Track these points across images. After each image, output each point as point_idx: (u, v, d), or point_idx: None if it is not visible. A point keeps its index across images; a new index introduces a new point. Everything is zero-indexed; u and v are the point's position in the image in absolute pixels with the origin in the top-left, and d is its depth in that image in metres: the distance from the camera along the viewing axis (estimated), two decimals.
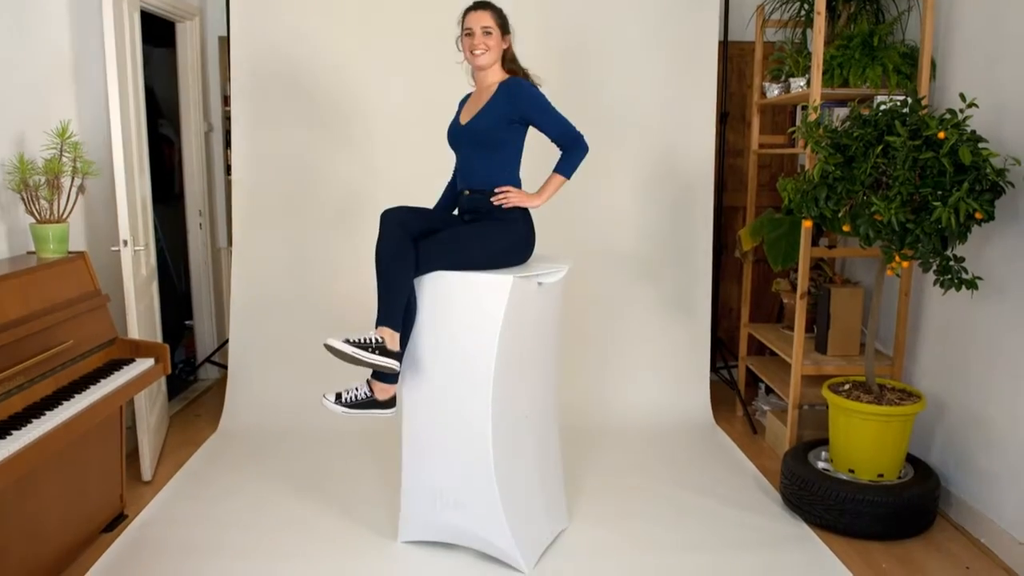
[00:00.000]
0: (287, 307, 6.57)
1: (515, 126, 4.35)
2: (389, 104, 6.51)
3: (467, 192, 4.45)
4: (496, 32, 4.37)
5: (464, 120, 4.47)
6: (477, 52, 4.36)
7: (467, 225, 4.35)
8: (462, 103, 4.67)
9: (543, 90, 4.42)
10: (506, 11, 4.46)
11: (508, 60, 4.50)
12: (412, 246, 4.12)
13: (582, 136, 4.38)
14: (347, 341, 4.03)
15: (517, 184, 4.45)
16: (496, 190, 4.33)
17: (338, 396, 4.20)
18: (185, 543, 4.59)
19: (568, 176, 4.41)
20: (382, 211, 4.23)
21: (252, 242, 6.57)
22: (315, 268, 6.60)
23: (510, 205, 4.32)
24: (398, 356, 4.15)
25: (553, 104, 4.38)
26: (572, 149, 4.37)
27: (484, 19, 4.36)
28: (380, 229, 4.17)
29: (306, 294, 6.58)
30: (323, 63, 6.49)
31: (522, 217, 4.38)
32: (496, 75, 4.45)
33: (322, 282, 6.58)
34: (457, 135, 4.50)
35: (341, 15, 6.44)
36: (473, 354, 4.12)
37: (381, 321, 4.12)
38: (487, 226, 4.30)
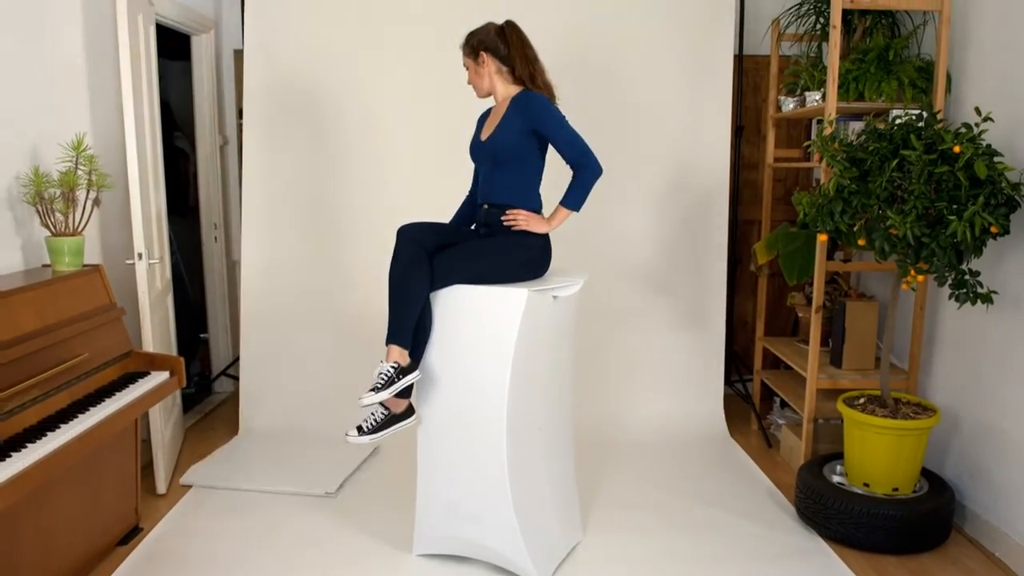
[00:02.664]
0: (299, 320, 6.58)
1: (530, 139, 4.33)
2: (403, 118, 6.52)
3: (486, 206, 4.46)
4: (471, 63, 4.47)
5: (484, 136, 4.48)
6: (473, 88, 4.56)
7: (483, 239, 4.35)
8: (481, 120, 4.68)
9: (559, 103, 4.43)
10: (524, 26, 4.45)
11: (520, 76, 4.45)
12: (427, 261, 4.12)
13: (593, 155, 4.32)
14: (374, 390, 4.04)
15: (536, 202, 4.45)
16: (508, 212, 4.35)
17: (359, 428, 4.19)
18: (200, 556, 4.60)
19: (575, 209, 4.36)
20: (398, 227, 4.24)
21: (263, 254, 6.58)
22: (327, 280, 6.61)
23: (518, 228, 4.32)
24: (413, 367, 4.18)
25: (569, 122, 4.36)
26: (582, 168, 4.31)
27: (463, 59, 4.53)
28: (395, 245, 4.19)
29: (318, 307, 6.60)
30: (337, 76, 6.51)
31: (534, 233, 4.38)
32: (507, 91, 4.47)
33: (334, 294, 6.60)
34: (477, 151, 4.53)
35: (355, 29, 6.47)
36: (488, 367, 4.12)
37: (391, 339, 4.13)
38: (503, 241, 4.30)
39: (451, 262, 4.16)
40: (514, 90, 4.45)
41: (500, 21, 4.48)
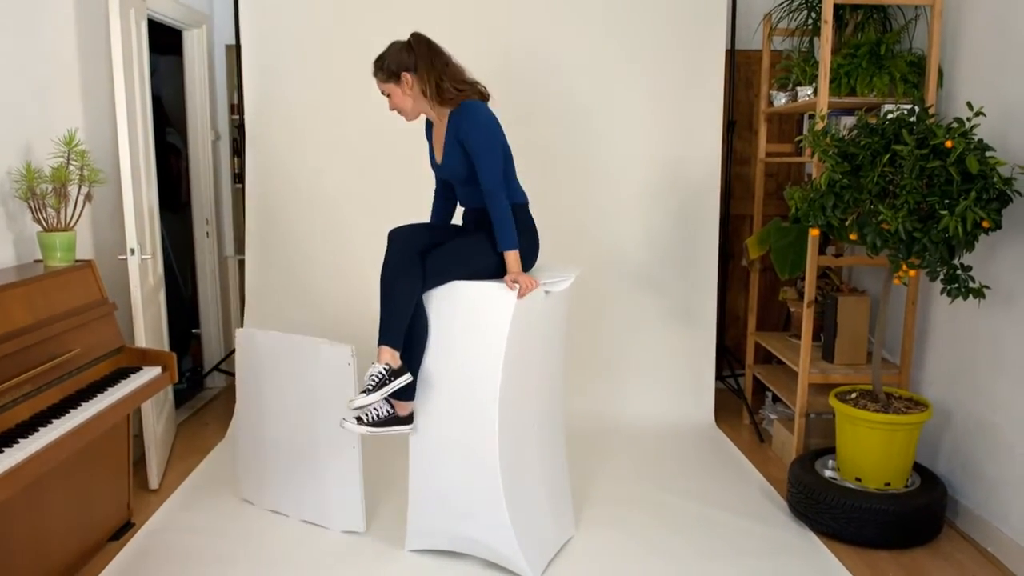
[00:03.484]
0: (298, 316, 6.57)
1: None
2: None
3: (465, 210, 4.49)
4: (391, 89, 4.25)
5: (439, 158, 4.38)
6: (400, 114, 4.35)
7: (470, 236, 4.32)
8: (428, 132, 4.54)
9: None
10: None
11: (443, 90, 4.23)
12: (419, 263, 4.11)
13: (500, 191, 4.15)
14: (365, 392, 4.01)
15: (516, 196, 4.35)
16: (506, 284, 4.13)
17: (359, 419, 4.17)
18: (192, 551, 4.60)
19: (511, 248, 4.16)
20: (388, 231, 4.23)
21: (264, 252, 6.58)
22: (326, 278, 6.61)
23: (524, 294, 4.11)
24: (404, 369, 4.16)
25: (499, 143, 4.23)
26: (489, 204, 4.17)
27: (378, 86, 4.29)
28: (387, 248, 4.18)
29: (317, 304, 6.59)
30: (335, 70, 6.51)
31: (522, 224, 4.33)
32: (441, 108, 4.29)
33: (333, 292, 6.59)
34: (439, 172, 4.46)
35: (353, 21, 6.45)
36: (480, 363, 4.12)
37: (383, 340, 4.11)
38: (490, 236, 4.28)
39: (443, 261, 4.15)
40: (448, 107, 4.27)
41: (407, 36, 4.31)
